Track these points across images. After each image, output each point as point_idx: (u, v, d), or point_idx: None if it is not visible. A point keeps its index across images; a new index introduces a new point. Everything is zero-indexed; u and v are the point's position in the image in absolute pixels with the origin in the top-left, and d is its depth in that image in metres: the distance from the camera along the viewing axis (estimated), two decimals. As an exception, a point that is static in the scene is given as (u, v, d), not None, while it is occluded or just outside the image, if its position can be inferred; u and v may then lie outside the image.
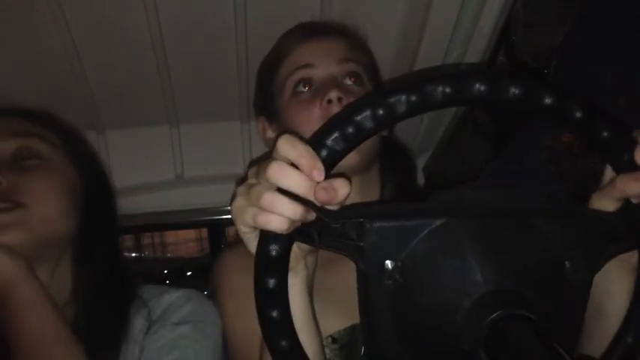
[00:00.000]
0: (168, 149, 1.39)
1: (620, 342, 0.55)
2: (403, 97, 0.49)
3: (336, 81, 0.95)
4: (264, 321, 0.53)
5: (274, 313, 0.52)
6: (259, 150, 1.35)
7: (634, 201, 0.54)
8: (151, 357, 0.87)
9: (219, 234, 1.96)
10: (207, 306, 0.96)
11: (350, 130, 0.50)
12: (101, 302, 0.89)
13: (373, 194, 1.01)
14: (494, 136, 1.38)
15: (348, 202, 0.52)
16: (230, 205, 0.59)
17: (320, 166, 0.50)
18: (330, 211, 0.51)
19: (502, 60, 1.20)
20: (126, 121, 1.31)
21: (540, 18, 1.10)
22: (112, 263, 0.95)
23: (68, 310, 0.87)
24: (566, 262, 0.51)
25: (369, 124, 0.50)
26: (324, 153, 0.50)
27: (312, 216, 0.51)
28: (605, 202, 0.56)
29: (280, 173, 0.51)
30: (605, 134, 0.52)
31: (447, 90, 0.49)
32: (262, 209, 0.51)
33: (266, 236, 0.52)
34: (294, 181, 0.50)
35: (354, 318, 0.53)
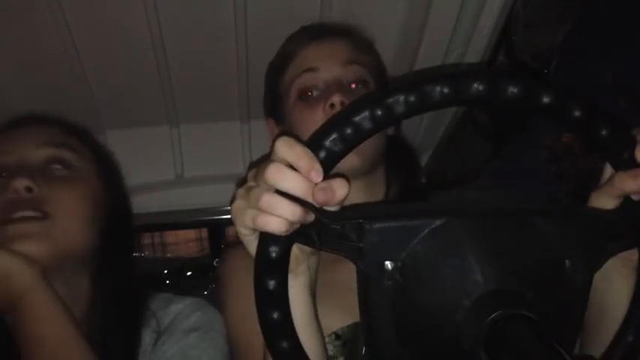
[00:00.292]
0: (168, 149, 1.39)
1: (621, 341, 0.55)
2: (402, 98, 0.49)
3: (340, 84, 0.95)
4: (264, 322, 0.53)
5: (275, 315, 0.52)
6: (259, 150, 1.36)
7: (634, 198, 0.54)
8: None
9: (219, 234, 1.96)
10: (214, 315, 0.96)
11: (348, 131, 0.50)
12: (117, 317, 0.89)
13: (378, 195, 1.01)
14: (493, 136, 1.38)
15: (354, 202, 0.52)
16: (230, 206, 0.59)
17: (318, 167, 0.50)
18: (329, 212, 0.51)
19: (502, 60, 1.20)
20: (126, 121, 1.31)
21: (540, 18, 1.10)
22: (128, 278, 0.94)
23: (83, 324, 0.86)
24: (566, 261, 0.51)
25: (367, 124, 0.50)
26: (322, 154, 0.50)
27: (312, 217, 0.51)
28: (604, 200, 0.56)
29: (278, 175, 0.51)
30: (604, 133, 0.52)
31: (446, 90, 0.49)
32: (261, 211, 0.51)
33: (265, 238, 0.52)
34: (292, 183, 0.50)
35: (357, 315, 0.53)
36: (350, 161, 0.91)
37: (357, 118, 0.49)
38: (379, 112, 0.49)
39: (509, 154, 1.50)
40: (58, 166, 0.90)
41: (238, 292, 0.93)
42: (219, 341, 0.92)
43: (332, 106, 0.92)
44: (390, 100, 0.49)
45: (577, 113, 0.51)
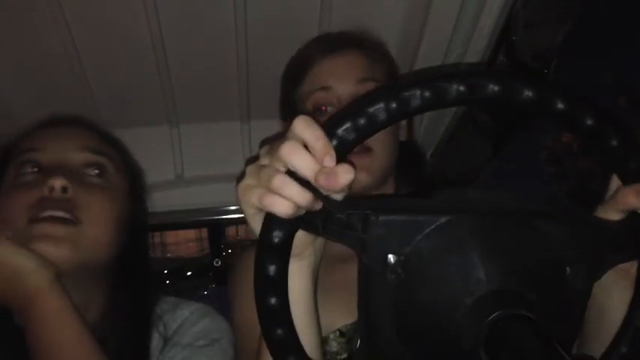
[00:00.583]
0: (168, 149, 1.39)
1: (614, 352, 0.55)
2: (417, 92, 0.49)
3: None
4: (261, 308, 0.53)
5: (272, 301, 0.52)
6: (259, 150, 1.36)
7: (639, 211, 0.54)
8: None
9: (219, 234, 1.96)
10: (221, 322, 0.96)
11: (362, 121, 0.49)
12: (130, 324, 0.89)
13: None
14: (494, 136, 1.38)
15: None
16: (237, 184, 0.58)
17: (333, 153, 0.49)
18: (335, 201, 0.51)
19: (502, 60, 1.20)
20: (126, 121, 1.31)
21: (540, 18, 1.10)
22: (144, 288, 0.94)
23: (95, 330, 0.84)
24: (567, 263, 0.51)
25: (381, 116, 0.49)
26: (334, 142, 0.49)
27: (319, 205, 0.51)
28: (609, 213, 0.56)
29: (292, 152, 0.50)
30: (614, 142, 0.52)
31: (462, 88, 0.49)
32: (270, 191, 0.51)
33: (270, 221, 0.52)
34: (305, 163, 0.49)
35: None
36: (360, 179, 0.93)
37: (371, 109, 0.49)
38: (394, 105, 0.49)
39: (509, 154, 1.50)
40: (93, 172, 0.89)
41: (250, 290, 0.94)
42: (226, 348, 0.92)
43: None
44: (406, 94, 0.49)
45: (589, 122, 0.51)
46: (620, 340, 0.55)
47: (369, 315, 0.51)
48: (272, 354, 0.54)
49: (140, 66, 1.18)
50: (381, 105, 0.49)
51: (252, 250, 0.53)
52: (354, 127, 0.49)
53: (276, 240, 0.51)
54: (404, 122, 1.09)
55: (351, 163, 0.49)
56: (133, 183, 0.97)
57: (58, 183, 0.82)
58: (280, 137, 0.53)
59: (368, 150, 0.97)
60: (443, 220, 0.49)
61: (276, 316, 0.53)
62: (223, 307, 1.04)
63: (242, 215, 0.59)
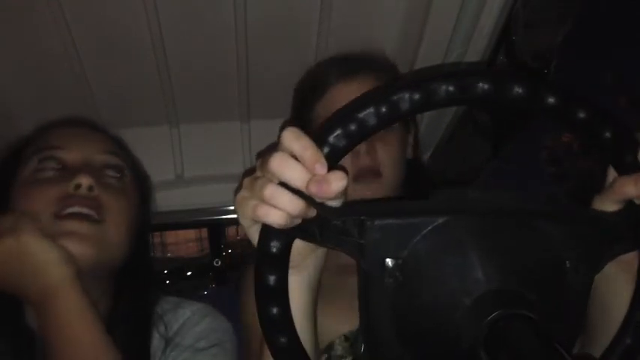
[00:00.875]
0: (168, 149, 1.39)
1: (619, 343, 0.55)
2: (407, 95, 0.49)
3: None
4: (263, 317, 0.53)
5: (274, 310, 0.52)
6: (259, 150, 1.36)
7: (636, 201, 0.54)
8: None
9: (219, 234, 1.96)
10: (223, 322, 0.96)
11: (352, 127, 0.49)
12: (132, 327, 0.89)
13: None
14: (494, 135, 1.38)
15: None
16: (234, 197, 0.59)
17: (323, 160, 0.49)
18: (330, 207, 0.51)
19: (502, 60, 1.20)
20: (126, 121, 1.31)
21: (540, 18, 1.10)
22: (145, 290, 0.95)
23: None
24: (567, 263, 0.51)
25: (371, 121, 0.49)
26: (326, 150, 0.49)
27: (313, 213, 0.51)
28: (606, 204, 0.56)
29: (282, 165, 0.50)
30: (607, 135, 0.52)
31: (451, 88, 0.49)
32: (263, 202, 0.51)
33: (266, 232, 0.52)
34: (296, 174, 0.49)
35: None
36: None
37: (361, 115, 0.49)
38: (384, 109, 0.49)
39: (509, 154, 1.50)
40: (113, 174, 0.92)
41: None
42: (228, 349, 0.92)
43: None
44: (395, 98, 0.49)
45: (581, 115, 0.51)
46: (625, 331, 0.55)
47: (370, 318, 0.51)
48: None
49: (140, 66, 1.18)
50: (371, 110, 0.49)
51: None
52: (344, 134, 0.49)
53: (274, 250, 0.51)
54: (411, 140, 1.11)
55: (343, 169, 0.49)
56: (141, 187, 0.99)
57: (85, 181, 0.84)
58: (275, 148, 0.53)
59: (377, 175, 0.99)
60: (439, 221, 0.49)
61: (278, 325, 0.53)
62: (223, 307, 1.04)
63: (242, 216, 0.59)
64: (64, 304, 0.75)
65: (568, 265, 0.51)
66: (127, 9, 1.06)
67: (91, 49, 1.13)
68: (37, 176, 0.87)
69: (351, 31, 1.16)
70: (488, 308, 0.46)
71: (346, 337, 0.93)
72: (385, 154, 1.01)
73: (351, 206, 0.52)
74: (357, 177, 0.99)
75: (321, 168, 0.49)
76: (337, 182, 0.48)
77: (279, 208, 0.50)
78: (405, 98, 0.49)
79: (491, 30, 1.15)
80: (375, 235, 0.49)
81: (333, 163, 0.50)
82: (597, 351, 0.60)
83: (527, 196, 0.55)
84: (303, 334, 0.60)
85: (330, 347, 0.96)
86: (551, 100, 0.50)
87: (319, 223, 0.51)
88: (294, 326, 0.54)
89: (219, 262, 1.85)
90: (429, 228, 0.49)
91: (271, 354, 0.54)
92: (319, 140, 0.50)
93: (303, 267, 0.61)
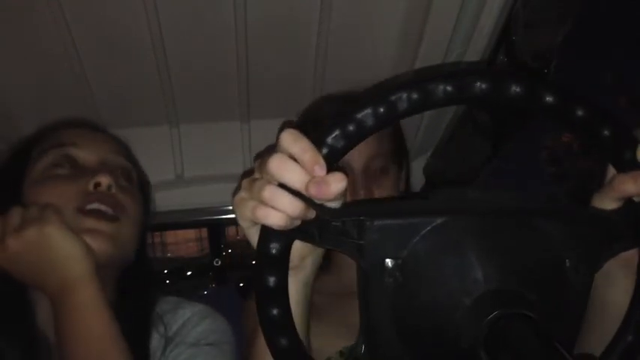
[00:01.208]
0: (168, 149, 1.39)
1: (620, 340, 0.55)
2: (404, 95, 0.49)
3: (367, 172, 1.03)
4: (263, 319, 0.53)
5: (274, 312, 0.52)
6: (259, 150, 1.36)
7: (636, 199, 0.54)
8: None
9: (219, 234, 1.96)
10: (222, 323, 0.97)
11: (351, 127, 0.49)
12: (131, 326, 0.88)
13: None
14: (493, 135, 1.38)
15: None
16: (233, 198, 0.59)
17: (322, 161, 0.49)
18: (329, 208, 0.51)
19: (502, 60, 1.20)
20: (126, 121, 1.31)
21: (540, 18, 1.10)
22: (145, 290, 0.95)
23: None
24: (567, 261, 0.51)
25: (370, 121, 0.49)
26: (325, 151, 0.49)
27: (313, 214, 0.51)
28: (605, 202, 0.56)
29: (281, 167, 0.50)
30: (606, 132, 0.52)
31: (449, 88, 0.49)
32: (262, 203, 0.51)
33: (266, 233, 0.52)
34: (295, 176, 0.49)
35: None
36: None
37: (359, 115, 0.49)
38: (382, 110, 0.49)
39: (510, 154, 1.49)
40: (125, 176, 0.95)
41: None
42: (227, 350, 0.92)
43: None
44: (393, 98, 0.49)
45: (580, 113, 0.51)
46: (626, 329, 0.55)
47: (370, 319, 0.51)
48: None
49: (140, 66, 1.18)
50: (369, 110, 0.49)
51: None
52: (343, 135, 0.49)
53: (274, 251, 0.51)
54: (403, 176, 1.14)
55: (342, 170, 0.49)
56: (143, 188, 1.02)
57: (105, 180, 0.87)
58: (273, 149, 0.53)
59: None
60: (439, 221, 0.49)
61: (279, 326, 0.53)
62: (223, 307, 1.04)
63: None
64: (81, 299, 0.76)
65: (568, 265, 0.51)
66: (127, 9, 1.06)
67: (91, 49, 1.13)
68: (53, 172, 0.89)
69: (351, 31, 1.16)
70: (488, 308, 0.46)
71: (342, 353, 0.96)
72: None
73: (350, 207, 0.52)
74: None
75: (320, 169, 0.49)
76: (336, 184, 0.48)
77: (278, 210, 0.50)
78: (403, 98, 0.49)
79: (491, 30, 1.15)
80: (374, 235, 0.49)
81: (331, 164, 0.50)
82: (596, 348, 0.60)
83: (526, 195, 0.55)
84: (300, 333, 0.61)
85: None
86: (549, 98, 0.50)
87: (319, 225, 0.51)
88: (294, 327, 0.54)
89: (219, 262, 1.86)
90: (429, 228, 0.49)
91: (272, 355, 0.54)
92: (318, 141, 0.50)
93: (302, 267, 0.61)
